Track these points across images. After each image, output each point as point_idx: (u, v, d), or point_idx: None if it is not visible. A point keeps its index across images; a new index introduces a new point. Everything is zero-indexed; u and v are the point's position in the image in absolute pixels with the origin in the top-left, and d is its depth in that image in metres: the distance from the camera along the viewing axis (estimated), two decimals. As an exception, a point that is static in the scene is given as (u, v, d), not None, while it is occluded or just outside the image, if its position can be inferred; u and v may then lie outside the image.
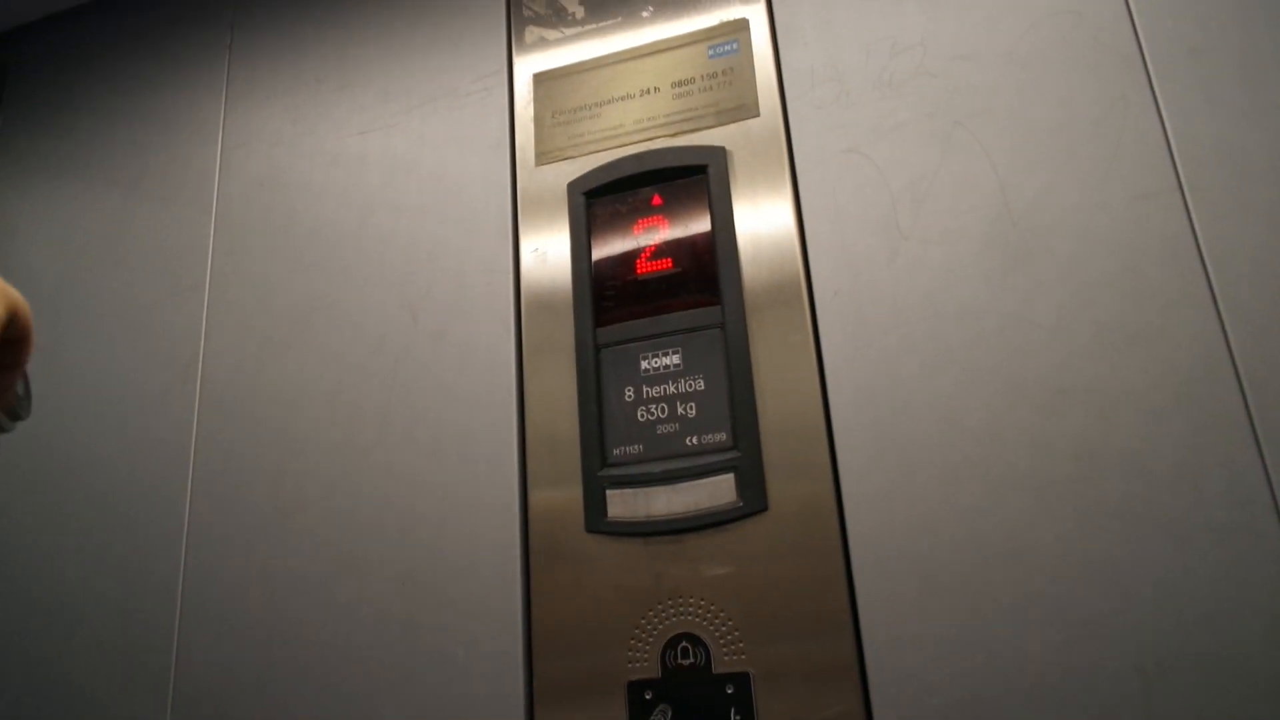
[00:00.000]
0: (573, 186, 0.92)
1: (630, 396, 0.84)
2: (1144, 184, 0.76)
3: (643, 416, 0.83)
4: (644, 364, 0.84)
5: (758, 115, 0.89)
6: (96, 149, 1.19)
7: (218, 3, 1.20)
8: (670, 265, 0.87)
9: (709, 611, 0.76)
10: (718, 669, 0.74)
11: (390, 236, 0.99)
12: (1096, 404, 0.72)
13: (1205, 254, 0.73)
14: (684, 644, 0.76)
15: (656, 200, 0.89)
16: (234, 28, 1.18)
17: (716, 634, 0.75)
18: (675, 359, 0.84)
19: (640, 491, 0.80)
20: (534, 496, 0.84)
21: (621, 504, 0.80)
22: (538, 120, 0.97)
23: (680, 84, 0.93)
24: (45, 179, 1.21)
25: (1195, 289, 0.73)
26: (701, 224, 0.87)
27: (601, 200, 0.91)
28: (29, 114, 1.26)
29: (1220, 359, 0.70)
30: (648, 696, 0.75)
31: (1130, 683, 0.65)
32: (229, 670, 0.88)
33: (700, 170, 0.89)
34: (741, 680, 0.73)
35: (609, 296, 0.87)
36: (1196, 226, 0.74)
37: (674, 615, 0.77)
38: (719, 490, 0.78)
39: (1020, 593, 0.69)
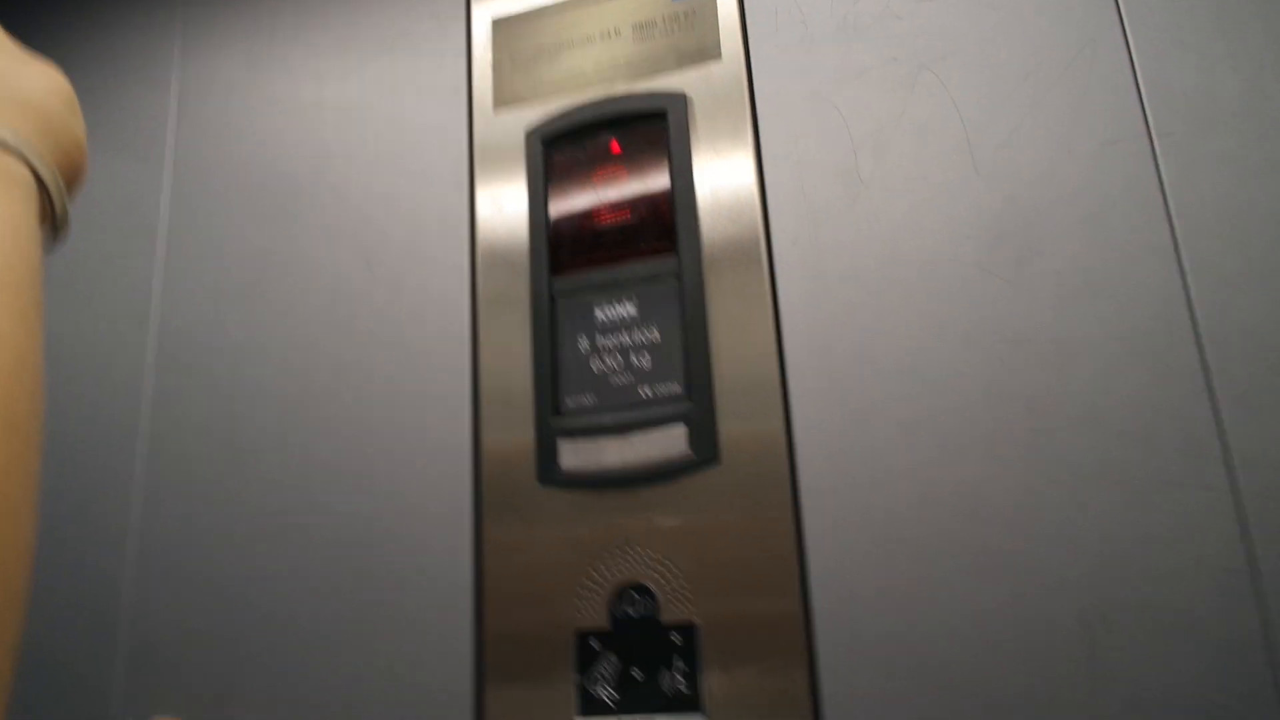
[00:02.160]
0: (530, 134, 0.90)
1: (585, 347, 0.82)
2: (1112, 130, 0.74)
3: (596, 367, 0.81)
4: (599, 314, 0.83)
5: (719, 59, 0.86)
6: (51, 94, 1.16)
7: (174, -57, 1.17)
8: (628, 215, 0.85)
9: (659, 563, 0.75)
10: (665, 619, 0.74)
11: (346, 185, 0.97)
12: (1053, 355, 0.70)
13: (1170, 203, 0.71)
14: (632, 594, 0.75)
15: (615, 148, 0.87)
16: (190, -31, 1.14)
17: (665, 585, 0.74)
18: (630, 309, 0.82)
19: (592, 442, 0.78)
20: (487, 446, 0.83)
21: (573, 454, 0.79)
22: (496, 65, 0.95)
23: (642, 26, 0.90)
24: None
25: (1158, 239, 0.71)
26: (660, 172, 0.85)
27: (559, 147, 0.89)
28: (-17, 58, 1.22)
29: (1179, 312, 0.69)
30: (595, 646, 0.74)
31: (1075, 635, 0.65)
32: (182, 618, 0.87)
33: (660, 116, 0.86)
34: (688, 630, 0.72)
35: (565, 245, 0.85)
36: (1163, 175, 0.72)
37: (624, 566, 0.76)
38: (670, 441, 0.76)
39: (972, 547, 0.69)
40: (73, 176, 0.33)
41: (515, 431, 0.82)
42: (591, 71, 0.90)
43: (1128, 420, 0.68)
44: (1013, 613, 0.66)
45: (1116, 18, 0.76)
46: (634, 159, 0.86)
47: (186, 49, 1.11)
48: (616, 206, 0.85)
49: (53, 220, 0.31)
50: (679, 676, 0.72)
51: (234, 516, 0.89)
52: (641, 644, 0.73)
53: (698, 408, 0.76)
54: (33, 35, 1.16)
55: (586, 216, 0.86)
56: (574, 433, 0.79)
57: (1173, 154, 0.72)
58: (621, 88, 0.89)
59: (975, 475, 0.70)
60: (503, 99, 0.93)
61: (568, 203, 0.87)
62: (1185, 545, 0.64)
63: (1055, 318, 0.71)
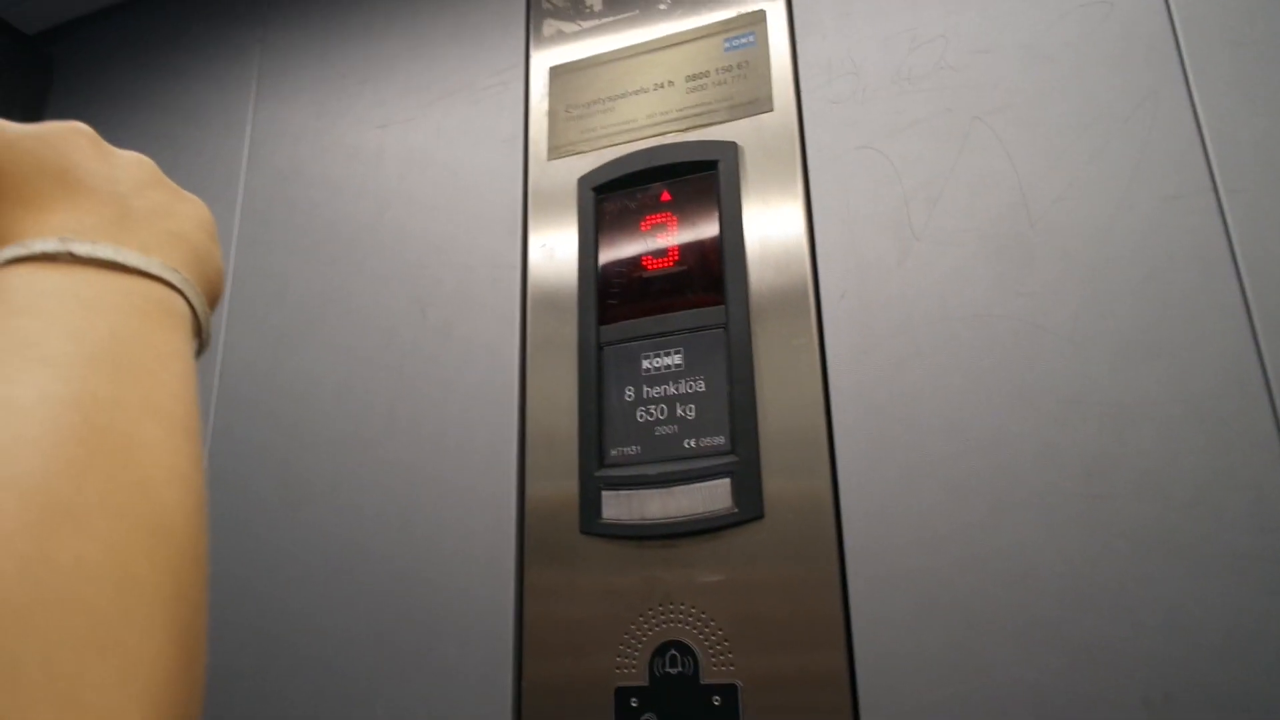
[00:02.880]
0: (582, 181, 0.91)
1: (630, 396, 0.82)
2: (1174, 185, 0.72)
3: (642, 417, 0.81)
4: (645, 364, 0.83)
5: (771, 110, 0.87)
6: (132, 141, 1.21)
7: (252, -2, 1.22)
8: (676, 263, 0.85)
9: (699, 619, 0.74)
10: (705, 679, 0.72)
11: (404, 230, 0.99)
12: (1112, 417, 0.68)
13: (1240, 260, 0.68)
14: (673, 652, 0.74)
15: (665, 196, 0.88)
16: (266, 23, 1.19)
17: (706, 643, 0.73)
18: (677, 359, 0.82)
19: (635, 493, 0.78)
20: (531, 495, 0.83)
21: (616, 506, 0.79)
22: (551, 114, 0.96)
23: (694, 78, 0.91)
24: (86, 170, 1.25)
25: (1227, 297, 0.68)
26: (709, 222, 0.85)
27: (611, 196, 0.90)
28: (74, 107, 1.30)
29: (1251, 373, 0.66)
30: (634, 704, 0.73)
31: (1136, 716, 0.61)
32: (231, 660, 0.89)
33: (710, 166, 0.86)
34: (729, 692, 0.71)
35: (614, 294, 0.86)
36: (1231, 231, 0.69)
37: (664, 622, 0.75)
38: (714, 495, 0.76)
39: (1022, 615, 0.66)
40: (215, 299, 0.37)
41: (559, 480, 0.82)
42: (644, 121, 0.91)
43: (1193, 489, 0.65)
44: (1067, 688, 0.63)
45: (1179, 69, 0.74)
46: (684, 208, 0.86)
47: (260, 98, 1.15)
48: (665, 255, 0.85)
49: (199, 338, 0.34)
50: (718, 737, 0.71)
51: (282, 560, 0.91)
52: (681, 705, 0.72)
53: (742, 462, 0.76)
54: (121, 86, 1.23)
55: (635, 265, 0.86)
56: (617, 484, 0.79)
57: (1241, 209, 0.69)
58: (673, 138, 0.89)
59: (1026, 541, 0.67)
60: (557, 147, 0.95)
61: (617, 251, 0.87)
62: (1255, 622, 0.61)
63: (1114, 378, 0.69)
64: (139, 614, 0.22)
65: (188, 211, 0.37)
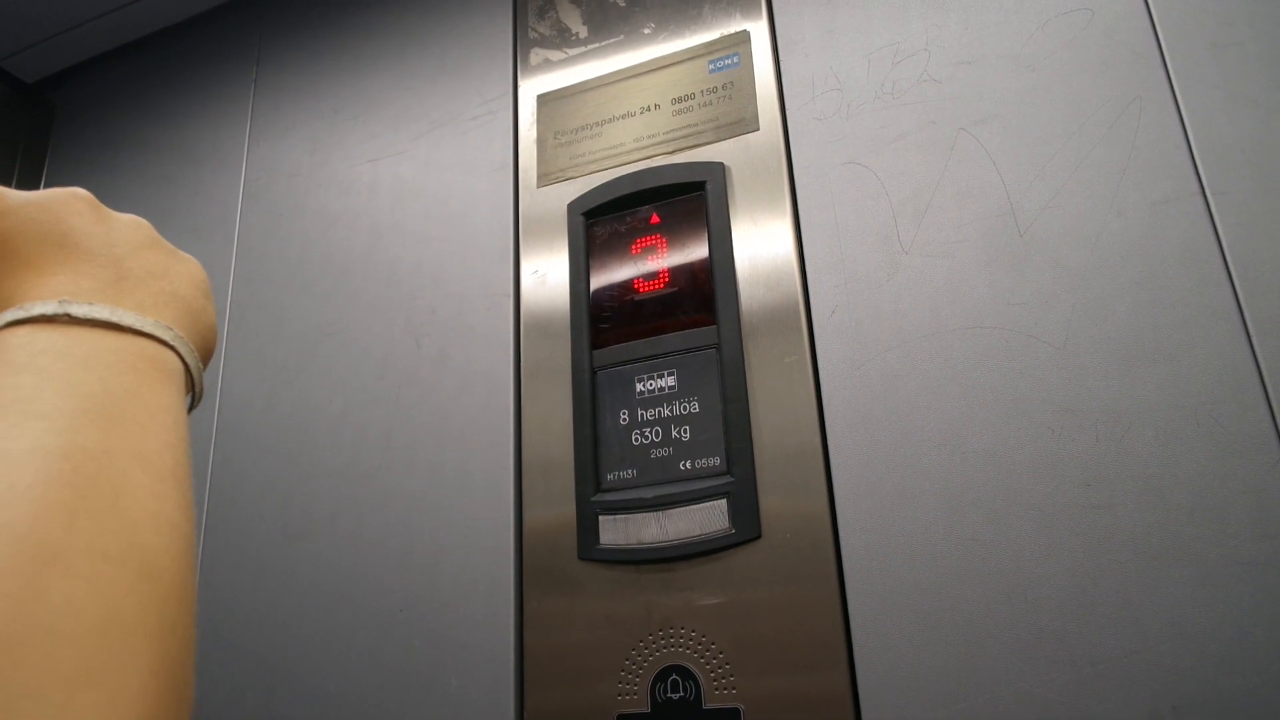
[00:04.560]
0: (572, 207, 0.91)
1: (625, 419, 0.82)
2: (1162, 189, 0.71)
3: (637, 440, 0.81)
4: (639, 386, 0.82)
5: (758, 129, 0.87)
6: (132, 183, 1.23)
7: (246, 37, 1.24)
8: (667, 285, 0.85)
9: (699, 643, 0.73)
10: (708, 704, 0.71)
11: (397, 261, 1.00)
12: (1109, 425, 0.67)
13: (1230, 262, 0.68)
14: (674, 677, 0.73)
15: (655, 219, 0.88)
16: (259, 62, 1.21)
17: (707, 666, 0.72)
18: (671, 381, 0.81)
19: (632, 518, 0.78)
20: (529, 521, 0.83)
21: (614, 531, 0.78)
22: (540, 141, 0.97)
23: (680, 100, 0.91)
24: (87, 213, 1.26)
25: (1219, 301, 0.67)
26: (699, 242, 0.85)
27: (601, 220, 0.90)
28: (75, 151, 1.32)
29: (1247, 376, 0.65)
30: (636, 731, 0.73)
31: (1144, 729, 0.60)
32: (233, 690, 0.89)
33: (698, 187, 0.87)
34: (731, 716, 0.70)
35: (606, 318, 0.86)
36: (1220, 233, 0.69)
37: (665, 646, 0.74)
38: (711, 517, 0.75)
39: (1025, 629, 0.65)
40: (208, 354, 0.39)
41: (556, 506, 0.82)
42: (631, 145, 0.92)
43: (1194, 496, 0.64)
44: (1074, 702, 0.62)
45: (1163, 73, 0.74)
46: (673, 230, 0.87)
47: (254, 136, 1.17)
48: (656, 277, 0.85)
49: (192, 391, 0.36)
50: (722, 763, 0.70)
51: (283, 590, 0.91)
52: (681, 729, 0.71)
53: (738, 482, 0.75)
54: (119, 129, 1.24)
55: (627, 288, 0.86)
56: (614, 508, 0.78)
57: (1230, 212, 0.69)
58: (661, 160, 0.90)
59: (1027, 552, 0.66)
60: (546, 174, 0.95)
61: (609, 274, 0.87)
62: (1262, 630, 0.60)
63: (1109, 385, 0.68)
64: (124, 649, 0.24)
65: (182, 271, 0.39)
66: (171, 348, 0.35)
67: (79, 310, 0.32)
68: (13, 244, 0.34)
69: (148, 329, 0.34)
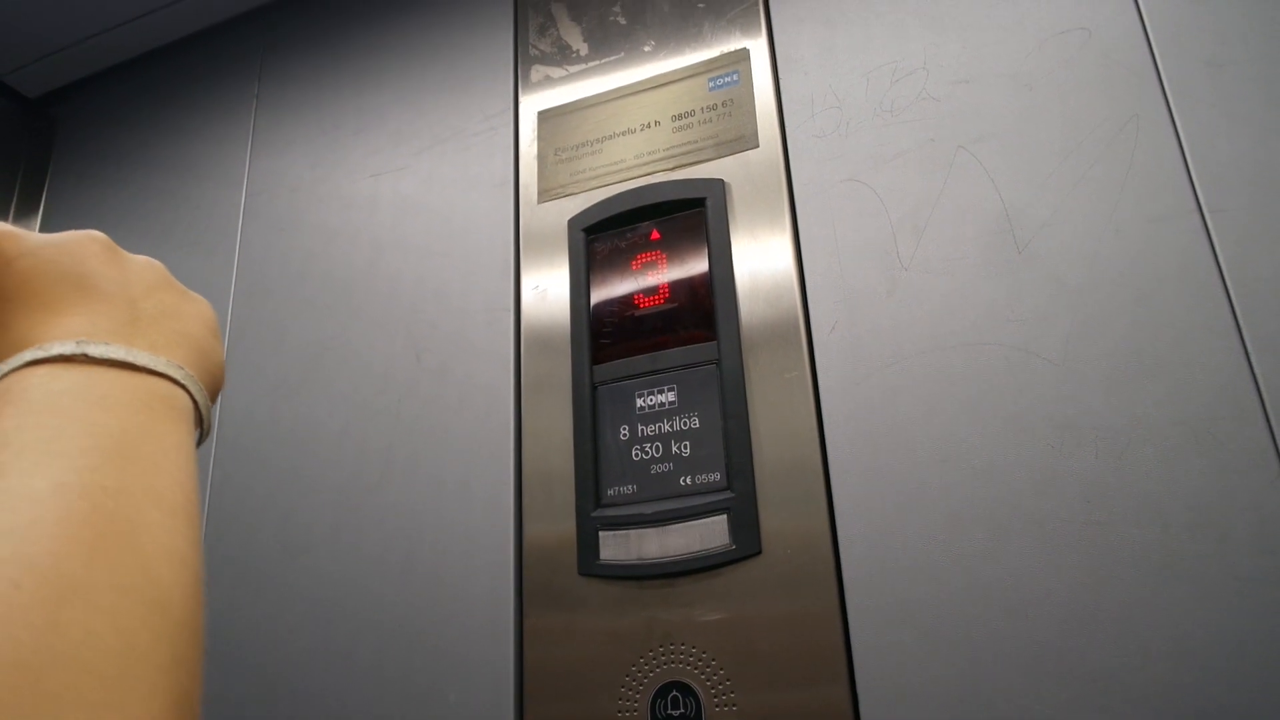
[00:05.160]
0: (573, 223, 0.92)
1: (625, 435, 0.82)
2: (1159, 206, 0.72)
3: (637, 455, 0.81)
4: (639, 402, 0.83)
5: (757, 146, 0.87)
6: (134, 198, 1.24)
7: (248, 53, 1.25)
8: (667, 301, 0.85)
9: (700, 659, 0.73)
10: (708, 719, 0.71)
11: (398, 276, 1.00)
12: (1108, 442, 0.67)
13: (1228, 279, 0.68)
14: (675, 693, 0.73)
15: (655, 235, 0.88)
16: (261, 78, 1.22)
17: (708, 683, 0.72)
18: (671, 396, 0.82)
19: (632, 533, 0.78)
20: (529, 536, 0.83)
21: (614, 546, 0.78)
22: (541, 158, 0.97)
23: (680, 117, 0.92)
24: (88, 227, 1.26)
25: (1217, 317, 0.68)
26: (699, 258, 0.85)
27: (601, 236, 0.90)
28: (76, 166, 1.32)
29: (1245, 392, 0.65)
30: (636, 748, 0.72)
31: (1146, 746, 0.60)
32: (235, 706, 0.88)
33: (698, 204, 0.87)
34: (731, 733, 0.70)
35: (606, 333, 0.86)
36: (1218, 250, 0.69)
37: (665, 662, 0.74)
38: (711, 532, 0.75)
39: (1026, 644, 0.65)
40: (216, 391, 0.41)
41: (556, 521, 0.82)
42: (632, 161, 0.92)
43: (1194, 511, 0.64)
44: (1073, 717, 0.62)
45: (1159, 92, 0.75)
46: (674, 246, 0.87)
47: (256, 152, 1.17)
48: (656, 293, 0.86)
49: (201, 427, 0.38)
50: (722, 780, 0.69)
51: (285, 605, 0.91)
52: (682, 746, 0.71)
53: (739, 497, 0.75)
54: (121, 145, 1.25)
55: (627, 303, 0.86)
56: (614, 524, 0.78)
57: (1227, 229, 0.69)
58: (661, 177, 0.90)
59: (1027, 568, 0.66)
60: (547, 190, 0.96)
61: (609, 290, 0.88)
62: (1264, 647, 0.60)
63: (1108, 402, 0.68)
64: (140, 679, 0.25)
65: (192, 311, 0.40)
66: (182, 386, 0.36)
67: (96, 350, 0.33)
68: (32, 285, 0.35)
69: (160, 368, 0.35)
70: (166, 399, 0.35)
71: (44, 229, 1.31)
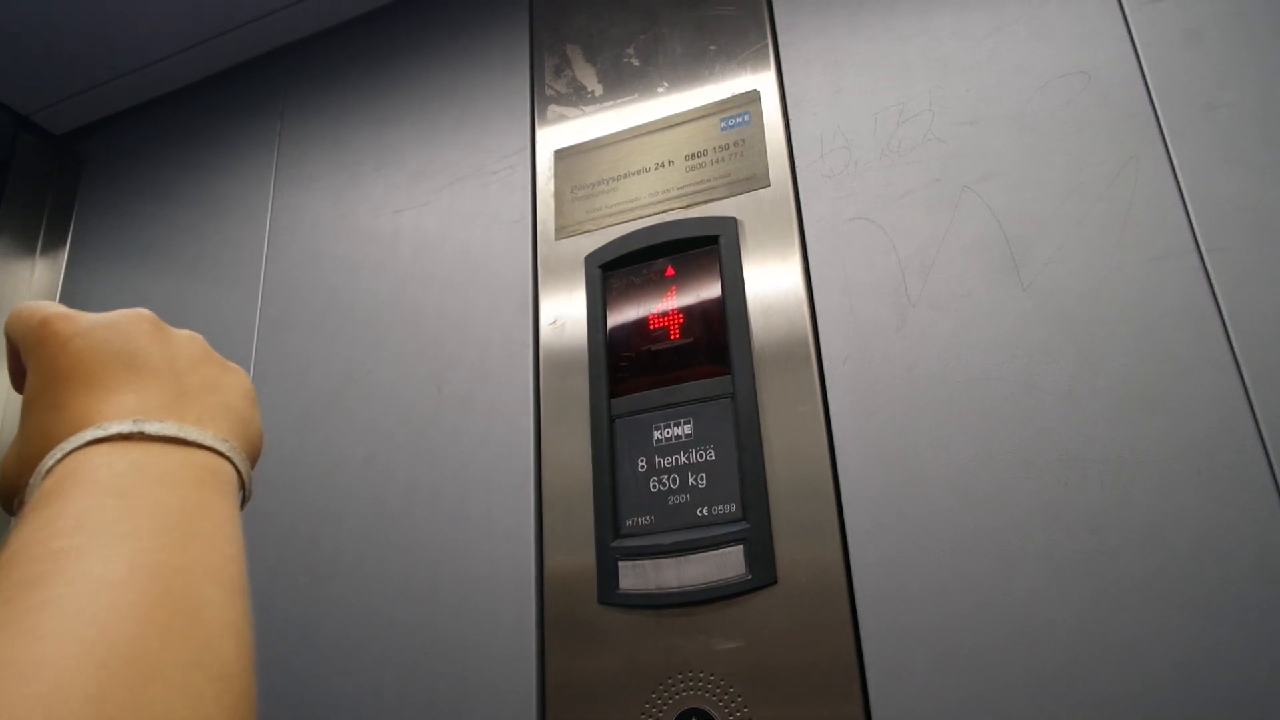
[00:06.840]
0: (589, 259, 0.95)
1: (643, 467, 0.84)
2: (1159, 245, 0.74)
3: (655, 487, 0.83)
4: (656, 434, 0.85)
5: (768, 185, 0.90)
6: (161, 233, 1.27)
7: (271, 92, 1.28)
8: (682, 335, 0.88)
9: (719, 686, 0.75)
10: (727, 746, 0.73)
11: (420, 309, 1.03)
12: (1112, 473, 0.70)
13: (1226, 317, 0.71)
14: (693, 719, 0.75)
15: (670, 271, 0.91)
16: (284, 116, 1.25)
17: (726, 709, 0.74)
18: (687, 429, 0.84)
19: (651, 563, 0.80)
20: (550, 566, 0.85)
21: (633, 576, 0.80)
22: (558, 195, 1.01)
23: (693, 156, 0.95)
24: (114, 261, 1.30)
25: (1216, 353, 0.70)
26: (713, 294, 0.88)
27: (617, 272, 0.93)
28: (103, 201, 1.36)
29: (1244, 426, 0.68)
30: (657, 773, 0.74)
31: (1153, 772, 0.62)
32: (262, 736, 0.90)
33: (712, 241, 0.90)
34: (750, 759, 0.72)
35: (623, 367, 0.89)
36: (1216, 288, 0.72)
37: (684, 690, 0.76)
38: (728, 562, 0.78)
39: (1035, 671, 0.67)
40: (255, 458, 0.43)
41: (577, 551, 0.84)
42: (646, 199, 0.95)
43: (1196, 542, 0.66)
44: (1083, 745, 0.64)
45: (1158, 133, 0.77)
46: (688, 282, 0.90)
47: (279, 188, 1.21)
48: (671, 327, 0.88)
49: (243, 491, 0.40)
50: (741, 805, 0.72)
51: (312, 633, 0.93)
52: (702, 771, 0.73)
53: (754, 528, 0.78)
54: (146, 181, 1.29)
55: (644, 337, 0.89)
56: (633, 554, 0.81)
57: (1225, 267, 0.72)
58: (675, 215, 0.93)
59: (1034, 595, 0.69)
60: (564, 227, 0.99)
61: (625, 324, 0.91)
62: (1267, 675, 0.62)
63: (1111, 435, 0.71)
64: None
65: (232, 383, 0.43)
66: (228, 458, 0.38)
67: (152, 428, 0.35)
68: (87, 364, 0.37)
69: (208, 443, 0.37)
70: (215, 473, 0.37)
71: (70, 262, 1.34)
